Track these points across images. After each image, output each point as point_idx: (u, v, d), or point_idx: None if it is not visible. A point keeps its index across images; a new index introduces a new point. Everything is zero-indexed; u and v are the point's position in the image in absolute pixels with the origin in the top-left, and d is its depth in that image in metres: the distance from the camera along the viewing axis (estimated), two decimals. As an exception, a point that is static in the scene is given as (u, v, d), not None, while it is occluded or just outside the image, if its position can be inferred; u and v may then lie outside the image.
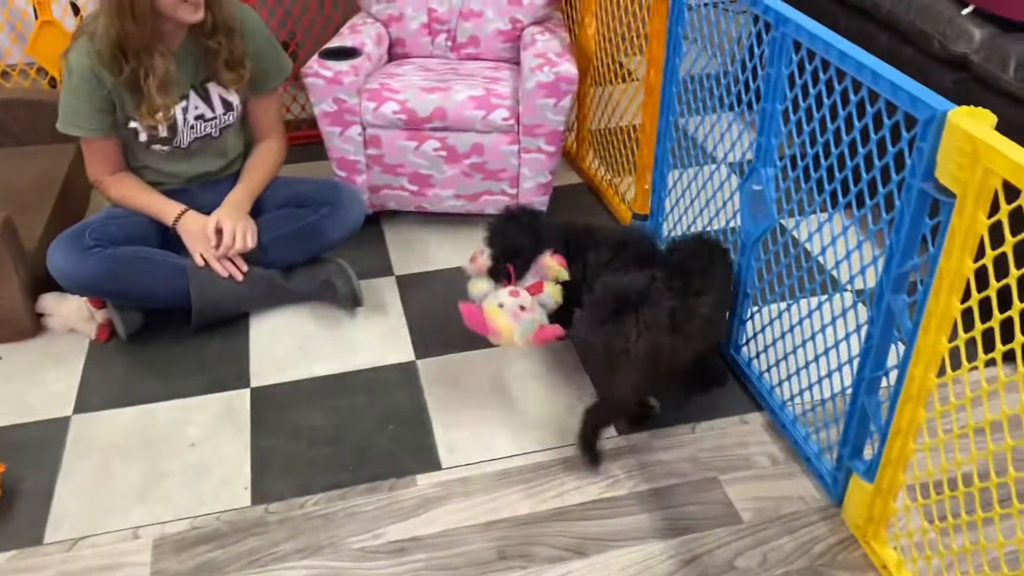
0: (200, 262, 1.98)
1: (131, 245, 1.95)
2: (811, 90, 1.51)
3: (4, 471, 1.61)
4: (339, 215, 2.07)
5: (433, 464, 1.69)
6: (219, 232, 1.97)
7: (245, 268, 2.02)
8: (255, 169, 2.10)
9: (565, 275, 1.76)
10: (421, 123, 2.24)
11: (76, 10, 2.81)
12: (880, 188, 1.38)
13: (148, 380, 1.91)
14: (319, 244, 2.08)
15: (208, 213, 2.00)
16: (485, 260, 1.81)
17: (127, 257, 1.92)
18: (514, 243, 1.80)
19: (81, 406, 1.84)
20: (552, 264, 1.76)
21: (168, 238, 2.02)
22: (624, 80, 2.53)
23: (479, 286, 1.79)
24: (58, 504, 1.61)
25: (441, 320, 2.09)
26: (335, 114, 2.24)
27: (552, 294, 1.74)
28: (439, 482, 1.65)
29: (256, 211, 2.08)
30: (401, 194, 2.36)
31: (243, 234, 1.98)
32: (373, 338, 2.03)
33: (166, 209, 2.00)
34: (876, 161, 1.37)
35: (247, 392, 1.88)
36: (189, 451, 1.73)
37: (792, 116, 1.58)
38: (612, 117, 2.63)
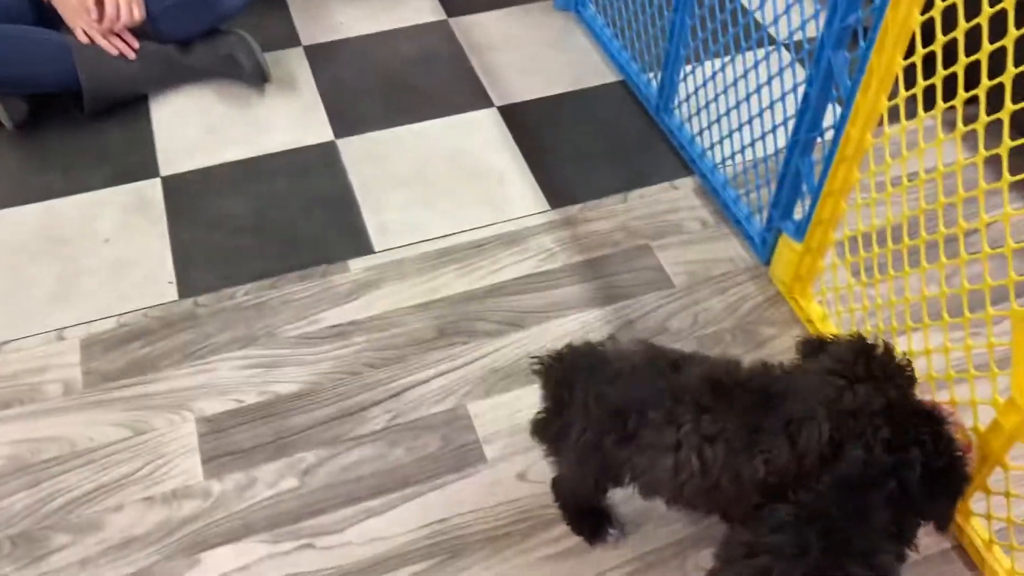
0: (83, 38, 1.78)
1: (1, 24, 1.73)
2: None
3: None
4: (235, -21, 1.86)
5: (365, 248, 1.65)
6: (101, 3, 1.76)
7: (136, 44, 1.83)
8: (131, -74, 1.85)
9: None
10: None
11: None
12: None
13: (46, 174, 1.77)
14: (215, 12, 1.88)
15: (83, -19, 1.77)
16: None
17: (0, 37, 1.71)
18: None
19: (-24, 206, 1.71)
20: None
21: (44, 14, 1.80)
22: None
23: None
24: (-29, 311, 1.54)
25: (358, 95, 1.96)
26: None
27: None
28: (372, 266, 1.62)
29: (138, -23, 1.85)
30: (301, -48, 2.13)
31: (128, 3, 1.77)
32: (287, 117, 1.91)
33: (34, -23, 1.77)
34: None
35: (157, 182, 1.76)
36: (104, 247, 1.64)
37: None
38: None
